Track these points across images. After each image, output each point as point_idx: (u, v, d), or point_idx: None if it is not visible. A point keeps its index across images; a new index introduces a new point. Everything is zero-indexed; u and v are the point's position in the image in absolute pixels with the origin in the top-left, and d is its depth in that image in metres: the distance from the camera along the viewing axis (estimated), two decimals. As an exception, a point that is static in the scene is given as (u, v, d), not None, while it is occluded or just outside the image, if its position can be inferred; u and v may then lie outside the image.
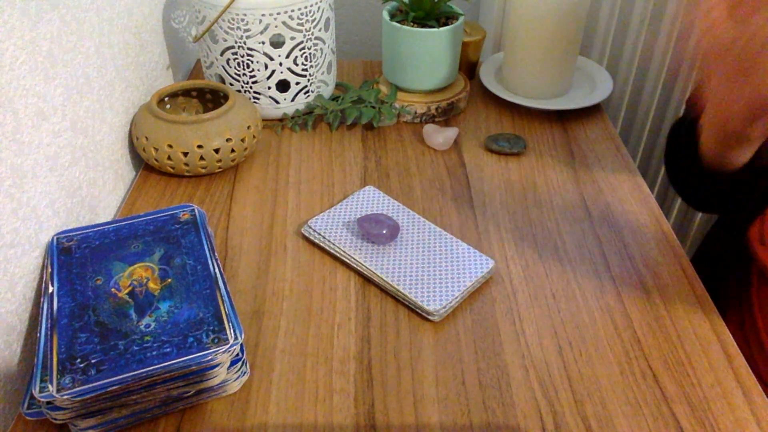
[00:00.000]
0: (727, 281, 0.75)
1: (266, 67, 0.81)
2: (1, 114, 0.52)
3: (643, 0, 1.06)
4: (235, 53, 0.80)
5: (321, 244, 0.66)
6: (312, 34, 0.80)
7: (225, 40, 0.79)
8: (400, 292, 0.60)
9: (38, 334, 0.49)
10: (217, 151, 0.72)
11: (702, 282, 0.63)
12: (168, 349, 0.48)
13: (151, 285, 0.54)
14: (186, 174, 0.74)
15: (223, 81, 0.85)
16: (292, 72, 0.82)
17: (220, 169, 0.75)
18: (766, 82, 0.49)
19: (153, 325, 0.50)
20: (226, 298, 0.53)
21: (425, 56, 0.82)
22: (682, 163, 0.76)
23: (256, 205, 0.72)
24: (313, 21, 0.79)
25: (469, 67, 0.94)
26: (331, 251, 0.65)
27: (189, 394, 0.50)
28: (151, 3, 0.83)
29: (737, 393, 0.52)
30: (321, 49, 0.83)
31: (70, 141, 0.63)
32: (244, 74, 0.81)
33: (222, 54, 0.81)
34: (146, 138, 0.72)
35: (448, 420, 0.51)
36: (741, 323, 0.71)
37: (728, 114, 0.56)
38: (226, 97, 0.80)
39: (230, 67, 0.81)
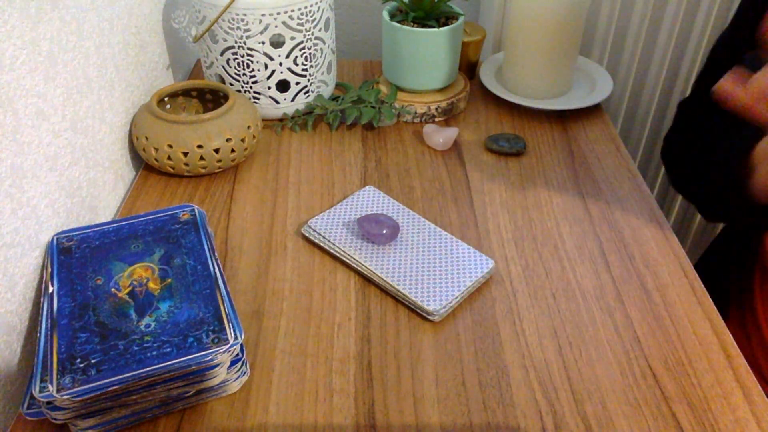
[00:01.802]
0: (729, 281, 0.75)
1: (266, 67, 0.81)
2: (1, 114, 0.52)
3: (643, 0, 1.06)
4: (235, 53, 0.80)
5: (321, 244, 0.66)
6: (312, 34, 0.80)
7: (225, 40, 0.79)
8: (400, 292, 0.60)
9: (38, 334, 0.49)
10: (217, 151, 0.72)
11: (705, 281, 0.63)
12: (168, 349, 0.48)
13: (151, 285, 0.54)
14: (186, 174, 0.74)
15: (223, 81, 0.85)
16: (292, 72, 0.82)
17: (220, 169, 0.75)
18: None
19: (153, 325, 0.50)
20: (226, 298, 0.53)
21: (425, 56, 0.82)
22: (690, 177, 0.75)
23: (256, 205, 0.72)
24: (313, 21, 0.79)
25: (469, 67, 0.94)
26: (331, 251, 0.65)
27: (189, 394, 0.50)
28: (151, 3, 0.83)
29: (737, 393, 0.52)
30: (321, 49, 0.83)
31: (70, 141, 0.63)
32: (244, 74, 0.81)
33: (222, 54, 0.81)
34: (146, 138, 0.72)
35: (448, 420, 0.51)
36: (742, 321, 0.71)
37: None
38: (226, 97, 0.80)
39: (230, 67, 0.81)
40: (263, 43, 0.78)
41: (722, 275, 0.77)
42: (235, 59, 0.80)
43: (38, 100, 0.57)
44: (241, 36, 0.78)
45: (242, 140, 0.74)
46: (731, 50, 0.72)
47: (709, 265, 0.83)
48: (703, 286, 0.62)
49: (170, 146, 0.71)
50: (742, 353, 0.56)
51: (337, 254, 0.64)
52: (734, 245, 0.80)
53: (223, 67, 0.82)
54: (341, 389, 0.53)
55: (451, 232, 0.68)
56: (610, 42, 1.10)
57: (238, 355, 0.51)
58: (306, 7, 0.78)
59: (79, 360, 0.47)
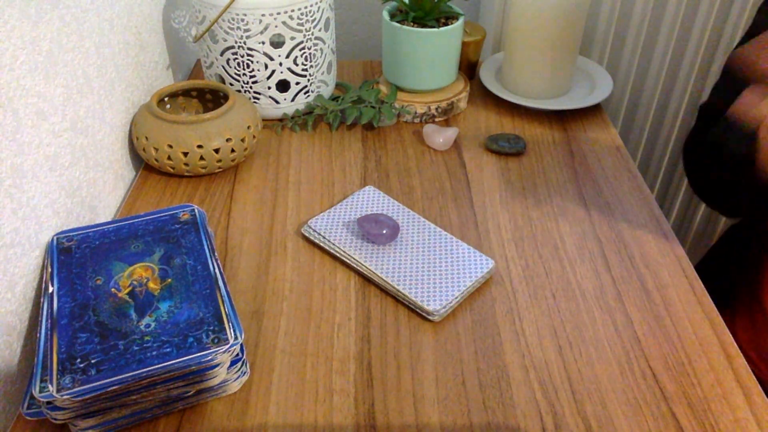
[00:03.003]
0: (738, 272, 0.75)
1: (266, 67, 0.81)
2: (1, 114, 0.52)
3: (643, 0, 1.06)
4: (235, 53, 0.80)
5: (321, 244, 0.66)
6: (312, 34, 0.80)
7: (225, 40, 0.79)
8: (400, 292, 0.60)
9: (38, 334, 0.49)
10: (217, 151, 0.72)
11: (711, 276, 0.63)
12: (168, 349, 0.48)
13: (151, 285, 0.54)
14: (186, 174, 0.74)
15: (223, 81, 0.85)
16: (292, 72, 0.82)
17: (220, 169, 0.75)
18: None
19: (153, 325, 0.50)
20: (226, 298, 0.53)
21: (425, 56, 0.82)
22: (710, 178, 0.75)
23: (256, 205, 0.72)
24: (313, 21, 0.79)
25: (469, 67, 0.94)
26: (331, 251, 0.65)
27: (189, 394, 0.50)
28: (151, 3, 0.83)
29: (737, 393, 0.52)
30: (321, 49, 0.83)
31: (70, 141, 0.63)
32: (244, 74, 0.81)
33: (222, 54, 0.81)
34: (146, 138, 0.72)
35: (448, 420, 0.50)
36: (752, 315, 0.71)
37: None
38: (226, 97, 0.80)
39: (230, 67, 0.81)
40: (263, 43, 0.78)
41: (729, 269, 0.77)
42: (235, 59, 0.80)
43: (38, 100, 0.57)
44: (241, 36, 0.78)
45: (242, 140, 0.74)
46: None
47: (716, 258, 0.83)
48: (703, 286, 0.62)
49: (170, 146, 0.71)
50: (753, 348, 0.56)
51: (337, 254, 0.64)
52: (742, 237, 0.80)
53: (223, 67, 0.82)
54: (341, 389, 0.53)
55: (451, 232, 0.68)
56: (610, 42, 1.10)
57: (238, 355, 0.51)
58: (306, 7, 0.78)
59: (79, 360, 0.47)
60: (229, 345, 0.49)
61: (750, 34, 0.74)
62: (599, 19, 1.08)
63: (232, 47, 0.79)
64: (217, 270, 0.56)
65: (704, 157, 0.76)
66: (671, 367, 0.54)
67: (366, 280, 0.63)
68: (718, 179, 0.74)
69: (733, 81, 0.74)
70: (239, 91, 0.83)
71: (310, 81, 0.84)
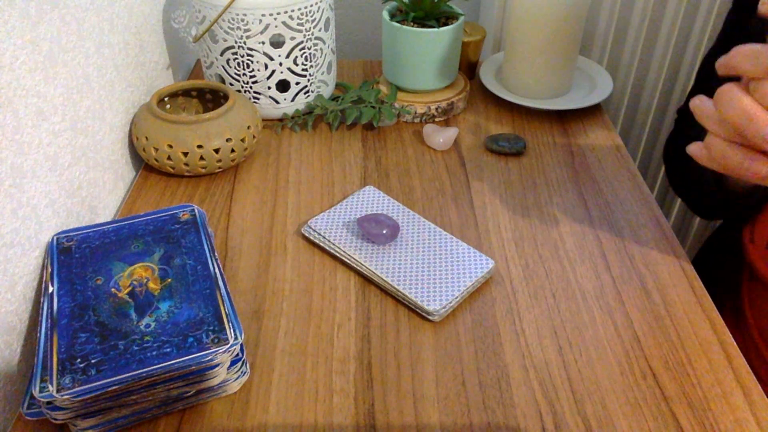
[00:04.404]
0: (724, 282, 0.75)
1: (266, 67, 0.81)
2: (1, 114, 0.52)
3: (643, 0, 1.06)
4: (235, 53, 0.80)
5: (321, 244, 0.66)
6: (312, 34, 0.80)
7: (225, 40, 0.79)
8: (400, 292, 0.60)
9: (38, 334, 0.49)
10: (217, 151, 0.72)
11: (711, 274, 0.63)
12: (168, 349, 0.48)
13: (151, 285, 0.54)
14: (186, 174, 0.74)
15: (223, 81, 0.85)
16: (292, 72, 0.82)
17: (220, 169, 0.75)
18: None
19: (153, 325, 0.50)
20: (226, 298, 0.53)
21: (425, 56, 0.82)
22: (687, 180, 0.77)
23: (256, 205, 0.72)
24: (313, 21, 0.79)
25: (469, 67, 0.94)
26: (331, 251, 0.65)
27: (189, 394, 0.50)
28: (151, 3, 0.83)
29: (737, 393, 0.52)
30: (321, 49, 0.83)
31: (70, 141, 0.63)
32: (244, 74, 0.81)
33: (222, 54, 0.81)
34: (146, 138, 0.72)
35: (448, 420, 0.51)
36: (736, 323, 0.71)
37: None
38: (226, 97, 0.80)
39: (230, 67, 0.81)
40: (263, 43, 0.78)
41: (714, 277, 0.78)
42: (235, 59, 0.80)
43: (38, 100, 0.57)
44: (241, 36, 0.78)
45: (242, 140, 0.74)
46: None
47: (706, 267, 0.83)
48: (702, 285, 0.62)
49: (170, 146, 0.71)
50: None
51: (337, 254, 0.64)
52: (723, 248, 0.80)
53: (223, 67, 0.82)
54: (341, 389, 0.53)
55: (451, 232, 0.68)
56: (610, 42, 1.10)
57: (238, 355, 0.51)
58: (306, 7, 0.78)
59: (79, 360, 0.47)
60: (229, 345, 0.49)
61: (720, 41, 0.75)
62: (599, 19, 1.08)
63: (232, 47, 0.79)
64: (217, 270, 0.56)
65: (682, 160, 0.77)
66: (671, 367, 0.54)
67: (366, 280, 0.63)
68: (696, 182, 0.74)
69: (707, 86, 0.75)
70: (239, 91, 0.83)
71: (310, 81, 0.84)
